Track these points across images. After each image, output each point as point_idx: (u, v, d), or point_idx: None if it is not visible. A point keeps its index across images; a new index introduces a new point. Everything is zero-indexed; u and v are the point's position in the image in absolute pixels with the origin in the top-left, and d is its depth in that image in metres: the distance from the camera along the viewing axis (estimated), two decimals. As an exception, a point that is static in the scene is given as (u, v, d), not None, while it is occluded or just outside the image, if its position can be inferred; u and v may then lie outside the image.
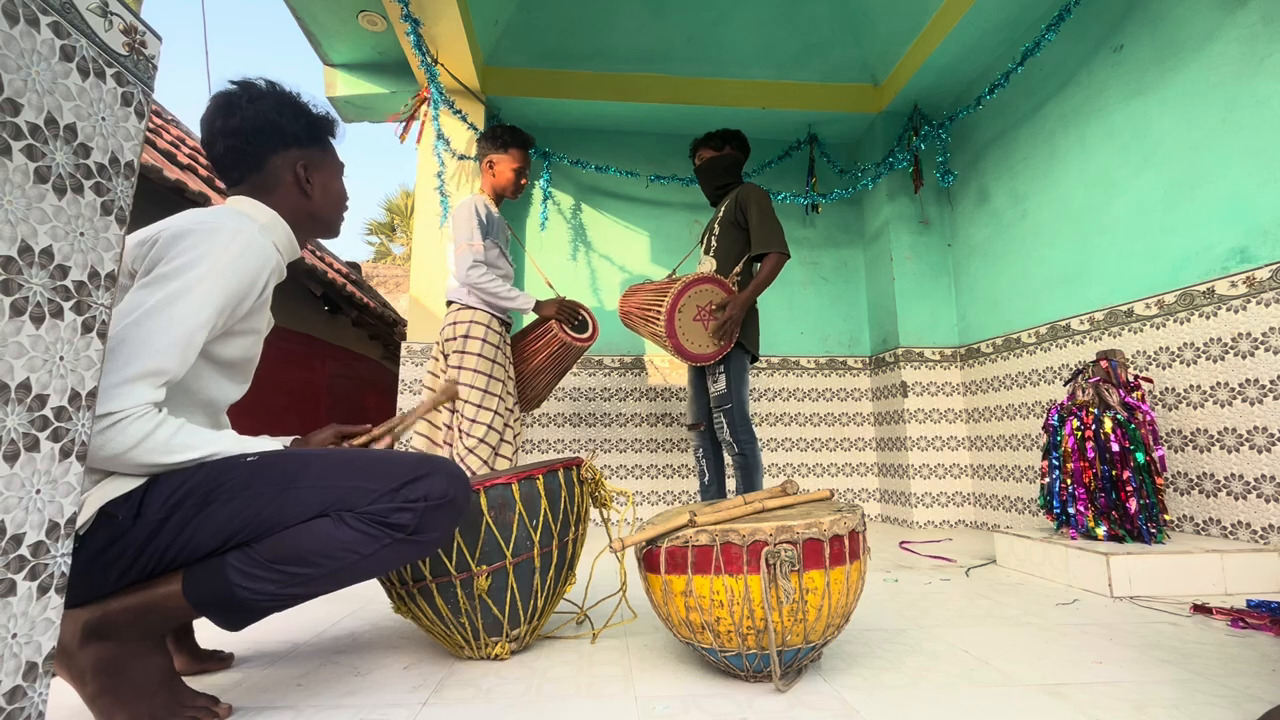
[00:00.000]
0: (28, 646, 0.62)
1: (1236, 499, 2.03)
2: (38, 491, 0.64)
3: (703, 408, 2.62)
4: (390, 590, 1.28)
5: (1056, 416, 2.13)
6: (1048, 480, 2.11)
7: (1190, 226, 2.24)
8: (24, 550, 0.62)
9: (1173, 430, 2.25)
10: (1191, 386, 2.19)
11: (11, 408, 0.61)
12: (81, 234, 0.68)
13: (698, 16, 3.67)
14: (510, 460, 2.27)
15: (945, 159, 3.47)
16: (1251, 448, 1.99)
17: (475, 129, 3.49)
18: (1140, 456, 1.92)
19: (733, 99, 3.77)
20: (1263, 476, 1.96)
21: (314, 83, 4.35)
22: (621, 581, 1.45)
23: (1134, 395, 2.06)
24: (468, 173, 3.54)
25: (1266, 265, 1.98)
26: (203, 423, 1.09)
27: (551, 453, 3.66)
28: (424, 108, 3.51)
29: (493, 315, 2.30)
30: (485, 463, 2.17)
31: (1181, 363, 2.23)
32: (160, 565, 0.94)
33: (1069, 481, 2.04)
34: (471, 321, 2.25)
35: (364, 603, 1.75)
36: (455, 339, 2.25)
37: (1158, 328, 2.33)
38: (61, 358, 0.66)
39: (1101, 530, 1.95)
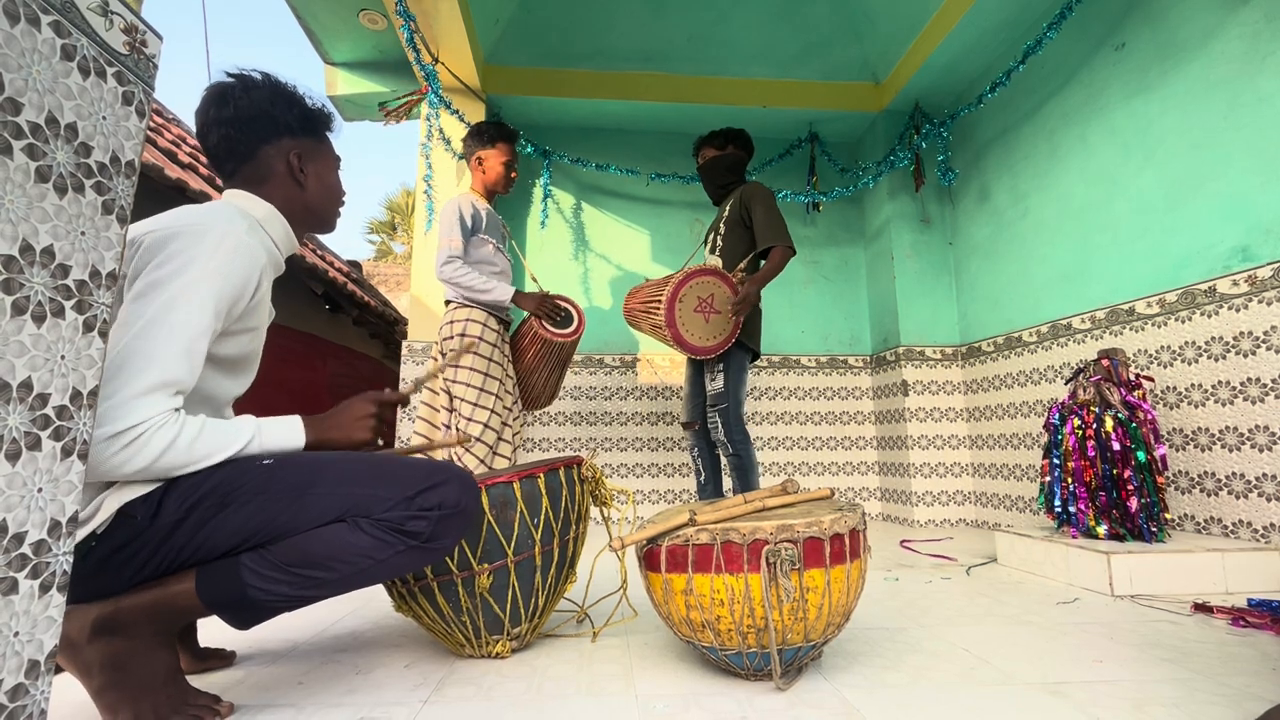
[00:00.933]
0: (30, 644, 0.63)
1: (1238, 498, 2.03)
2: (39, 490, 0.64)
3: (698, 406, 2.61)
4: (391, 589, 1.28)
5: (1057, 415, 2.13)
6: (1048, 479, 2.11)
7: (1192, 225, 2.24)
8: (26, 549, 0.62)
9: (1174, 429, 2.25)
10: (1193, 385, 2.19)
11: (13, 406, 0.61)
12: (82, 233, 0.68)
13: (698, 15, 3.67)
14: (510, 459, 2.27)
15: (946, 157, 3.46)
16: (1253, 446, 1.99)
17: (475, 128, 3.48)
18: (1141, 455, 1.92)
19: (733, 98, 3.77)
20: (1264, 475, 1.96)
21: (315, 81, 4.35)
22: (622, 580, 1.45)
23: (1135, 394, 2.06)
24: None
25: (1268, 264, 1.98)
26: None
27: (552, 451, 3.66)
28: (423, 106, 3.51)
29: (490, 314, 2.29)
30: (482, 461, 2.16)
31: (1183, 361, 2.23)
32: (174, 564, 0.94)
33: (1070, 480, 2.04)
34: (468, 320, 2.25)
35: (365, 601, 1.76)
36: (452, 338, 2.24)
37: (1159, 326, 2.32)
38: (63, 357, 0.66)
39: (1102, 529, 1.95)
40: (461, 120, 3.43)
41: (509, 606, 1.24)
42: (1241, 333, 2.04)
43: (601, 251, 3.96)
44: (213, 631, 1.34)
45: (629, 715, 0.99)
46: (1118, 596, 1.73)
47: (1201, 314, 2.17)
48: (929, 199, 3.70)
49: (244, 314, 1.06)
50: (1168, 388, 2.27)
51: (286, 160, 1.17)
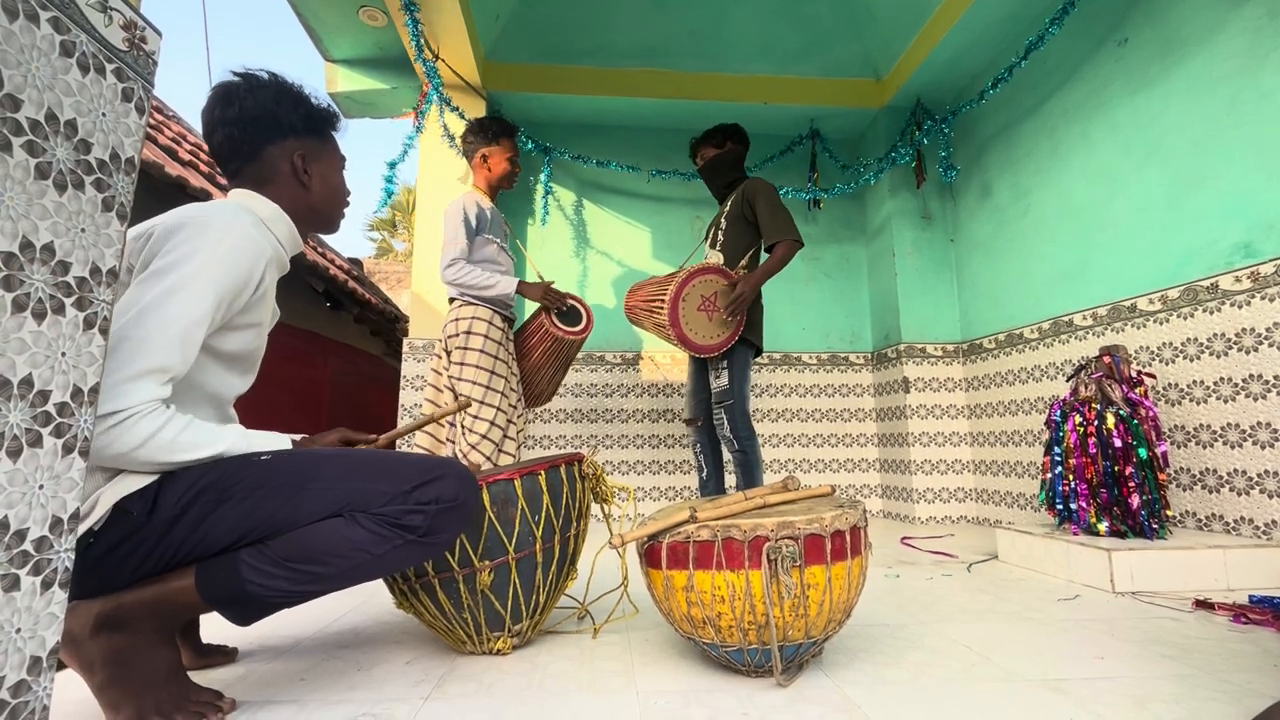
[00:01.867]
0: (31, 641, 0.63)
1: (1239, 494, 2.03)
2: (40, 487, 0.64)
3: (701, 403, 2.61)
4: (392, 585, 1.28)
5: (1059, 412, 2.13)
6: (1050, 476, 2.10)
7: (1194, 221, 2.23)
8: (27, 545, 0.62)
9: (1175, 425, 2.24)
10: (1195, 382, 2.19)
11: (14, 403, 0.61)
12: (82, 230, 0.68)
13: (699, 12, 3.66)
14: (515, 457, 2.27)
15: (948, 154, 3.45)
16: (1255, 443, 1.99)
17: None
18: (1143, 452, 1.92)
19: (734, 94, 3.76)
20: (1266, 472, 1.96)
21: (315, 79, 4.34)
22: (623, 577, 1.46)
23: (1137, 391, 2.06)
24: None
25: (1271, 260, 1.97)
26: (209, 416, 1.09)
27: (553, 448, 3.67)
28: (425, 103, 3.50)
29: (494, 312, 2.29)
30: (488, 459, 2.17)
31: (1185, 358, 2.23)
32: (174, 560, 0.95)
33: (1071, 477, 2.04)
34: (473, 318, 2.24)
35: (366, 598, 1.76)
36: (457, 335, 2.24)
37: (1161, 323, 2.32)
38: (63, 354, 0.66)
39: (1103, 526, 1.95)
40: (462, 117, 3.42)
41: (510, 603, 1.24)
42: (1244, 329, 2.04)
43: (602, 248, 3.95)
44: (215, 628, 1.35)
45: (630, 712, 0.99)
46: (1119, 593, 1.73)
47: (1204, 310, 2.17)
48: (930, 196, 3.69)
49: (247, 307, 1.06)
50: (1169, 384, 2.27)
51: (290, 161, 1.17)
